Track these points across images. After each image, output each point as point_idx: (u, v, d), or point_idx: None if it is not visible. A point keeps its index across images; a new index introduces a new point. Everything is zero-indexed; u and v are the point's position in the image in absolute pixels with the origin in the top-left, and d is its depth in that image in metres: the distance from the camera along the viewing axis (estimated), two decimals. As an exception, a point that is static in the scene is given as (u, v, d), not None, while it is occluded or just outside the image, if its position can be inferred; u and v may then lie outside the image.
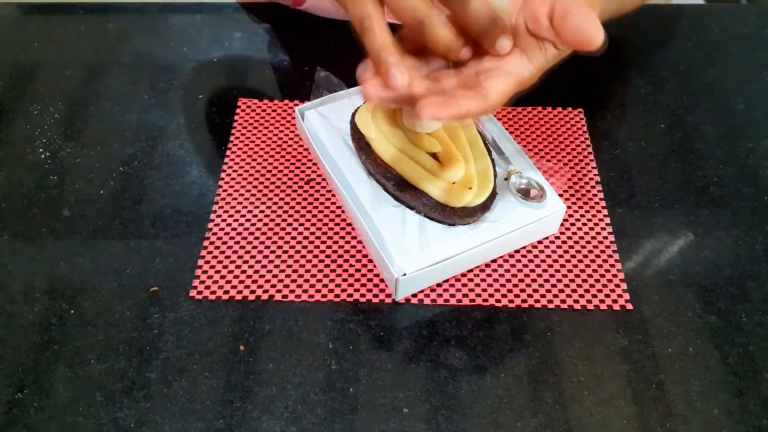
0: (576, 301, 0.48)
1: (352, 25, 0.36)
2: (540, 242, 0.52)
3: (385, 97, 0.36)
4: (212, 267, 0.50)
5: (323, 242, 0.52)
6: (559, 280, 0.50)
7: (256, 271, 0.50)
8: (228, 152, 0.58)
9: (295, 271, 0.50)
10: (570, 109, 0.62)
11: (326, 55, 0.67)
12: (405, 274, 0.46)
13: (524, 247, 0.52)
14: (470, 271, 0.50)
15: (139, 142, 0.59)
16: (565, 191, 0.55)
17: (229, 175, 0.56)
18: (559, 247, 0.52)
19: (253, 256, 0.51)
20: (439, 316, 0.48)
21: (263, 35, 0.69)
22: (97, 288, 0.49)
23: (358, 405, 0.43)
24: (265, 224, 0.53)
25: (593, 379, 0.45)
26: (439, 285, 0.49)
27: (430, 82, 0.38)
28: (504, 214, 0.50)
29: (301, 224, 0.53)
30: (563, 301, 0.48)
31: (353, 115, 0.53)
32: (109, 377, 0.44)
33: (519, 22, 0.37)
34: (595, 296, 0.49)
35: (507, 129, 0.58)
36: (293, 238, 0.52)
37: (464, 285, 0.49)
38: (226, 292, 0.49)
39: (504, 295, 0.49)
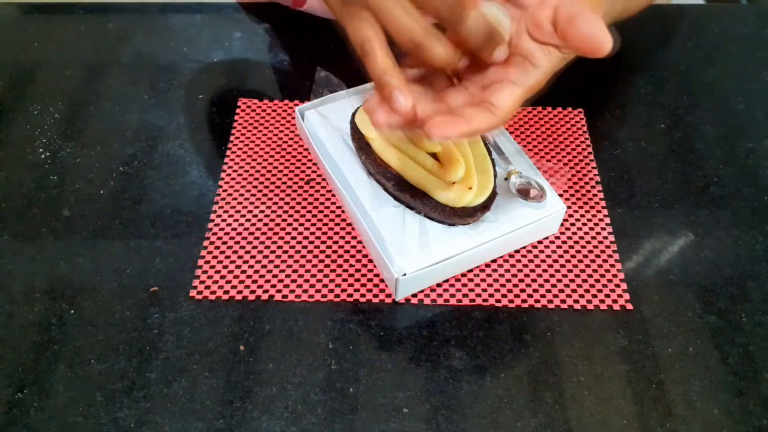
0: (576, 301, 0.48)
1: (352, 47, 0.36)
2: (540, 242, 0.52)
3: (393, 122, 0.35)
4: (212, 267, 0.50)
5: (323, 242, 0.52)
6: (559, 280, 0.50)
7: (256, 271, 0.50)
8: (228, 152, 0.58)
9: (295, 271, 0.50)
10: (570, 109, 0.62)
11: (326, 55, 0.67)
12: (405, 274, 0.46)
13: (524, 247, 0.52)
14: (470, 271, 0.50)
15: (139, 142, 0.59)
16: (565, 191, 0.55)
17: (229, 175, 0.56)
18: (559, 247, 0.52)
19: (253, 256, 0.51)
20: (439, 316, 0.48)
21: (263, 35, 0.69)
22: (97, 288, 0.49)
23: (358, 405, 0.43)
24: (265, 224, 0.53)
25: (593, 379, 0.45)
26: (439, 285, 0.49)
27: (436, 105, 0.37)
28: (504, 214, 0.50)
29: (301, 224, 0.53)
30: (563, 301, 0.48)
31: (353, 115, 0.53)
32: (109, 377, 0.44)
33: (521, 29, 0.37)
34: (595, 296, 0.49)
35: (507, 129, 0.58)
36: (293, 238, 0.52)
37: (464, 285, 0.49)
38: (226, 292, 0.49)
39: (504, 295, 0.49)
